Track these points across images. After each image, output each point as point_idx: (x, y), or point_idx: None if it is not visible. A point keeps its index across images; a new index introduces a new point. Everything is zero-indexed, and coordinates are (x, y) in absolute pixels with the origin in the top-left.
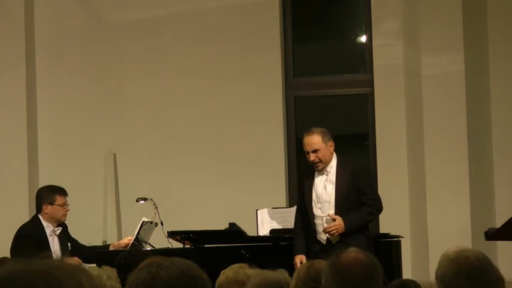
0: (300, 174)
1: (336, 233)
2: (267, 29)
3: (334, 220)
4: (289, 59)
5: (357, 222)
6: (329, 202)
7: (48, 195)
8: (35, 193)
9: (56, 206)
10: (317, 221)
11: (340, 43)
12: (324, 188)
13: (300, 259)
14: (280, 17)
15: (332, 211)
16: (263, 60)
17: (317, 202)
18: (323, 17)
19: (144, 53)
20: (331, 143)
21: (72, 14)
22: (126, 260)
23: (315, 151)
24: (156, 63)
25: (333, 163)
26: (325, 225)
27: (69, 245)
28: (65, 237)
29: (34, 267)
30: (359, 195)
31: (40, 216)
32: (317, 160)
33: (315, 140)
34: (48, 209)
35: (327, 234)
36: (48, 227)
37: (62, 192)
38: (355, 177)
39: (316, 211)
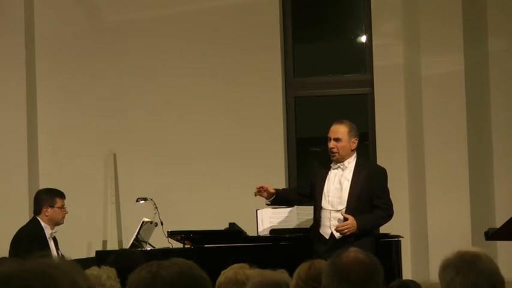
0: (315, 167)
1: (348, 233)
2: (267, 29)
3: (347, 219)
4: (289, 59)
5: (370, 224)
6: (340, 198)
7: (48, 198)
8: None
9: (56, 208)
10: (323, 214)
11: (340, 43)
12: (338, 183)
13: (263, 186)
14: (280, 17)
15: (341, 208)
16: (263, 61)
17: (327, 195)
18: (323, 17)
19: (144, 53)
20: (354, 140)
21: (72, 14)
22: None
23: (336, 139)
24: (156, 63)
25: (352, 161)
26: (336, 223)
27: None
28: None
29: (30, 267)
30: (371, 198)
31: (39, 219)
32: (335, 150)
33: (340, 130)
34: (48, 211)
35: (338, 233)
36: (47, 230)
37: (61, 195)
38: (370, 180)
39: (325, 204)
